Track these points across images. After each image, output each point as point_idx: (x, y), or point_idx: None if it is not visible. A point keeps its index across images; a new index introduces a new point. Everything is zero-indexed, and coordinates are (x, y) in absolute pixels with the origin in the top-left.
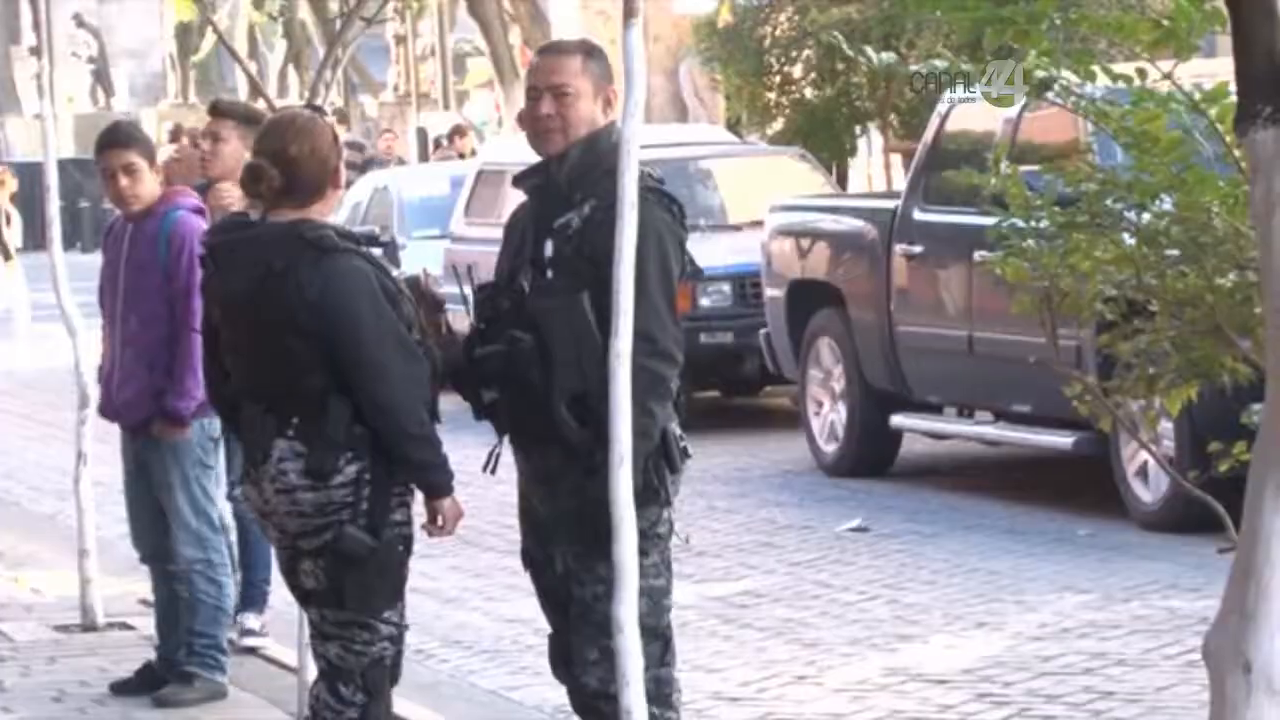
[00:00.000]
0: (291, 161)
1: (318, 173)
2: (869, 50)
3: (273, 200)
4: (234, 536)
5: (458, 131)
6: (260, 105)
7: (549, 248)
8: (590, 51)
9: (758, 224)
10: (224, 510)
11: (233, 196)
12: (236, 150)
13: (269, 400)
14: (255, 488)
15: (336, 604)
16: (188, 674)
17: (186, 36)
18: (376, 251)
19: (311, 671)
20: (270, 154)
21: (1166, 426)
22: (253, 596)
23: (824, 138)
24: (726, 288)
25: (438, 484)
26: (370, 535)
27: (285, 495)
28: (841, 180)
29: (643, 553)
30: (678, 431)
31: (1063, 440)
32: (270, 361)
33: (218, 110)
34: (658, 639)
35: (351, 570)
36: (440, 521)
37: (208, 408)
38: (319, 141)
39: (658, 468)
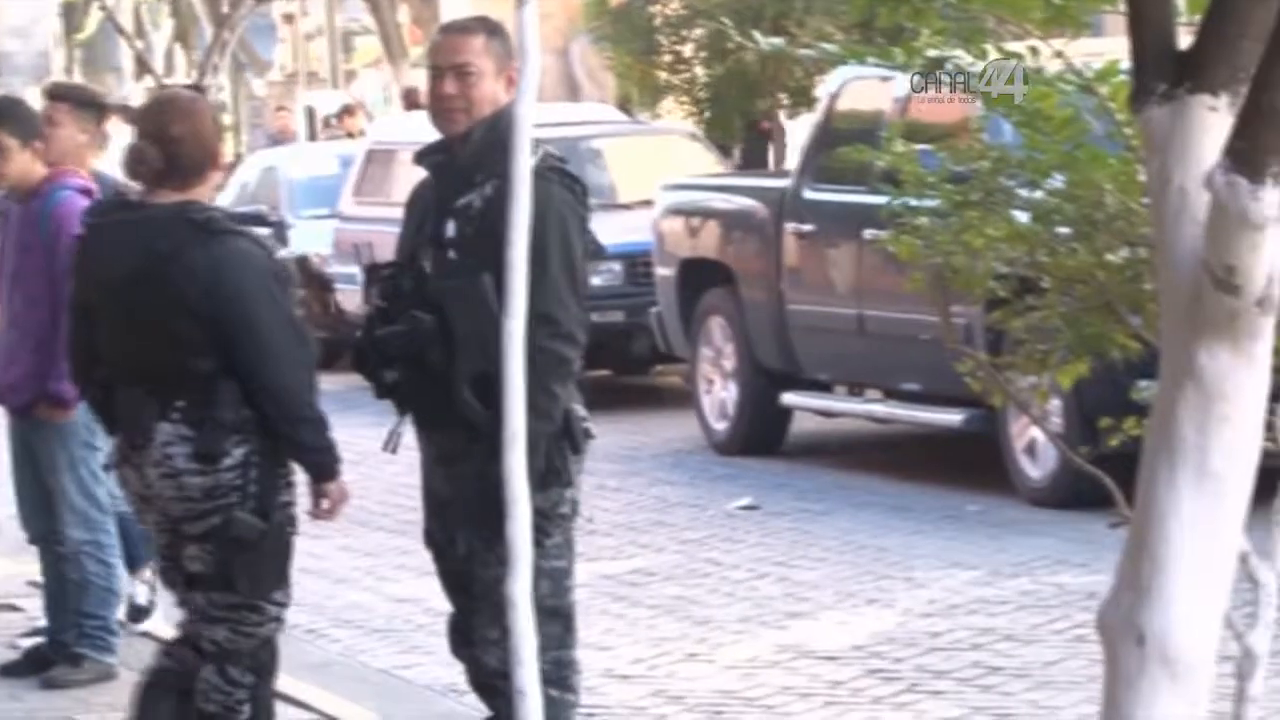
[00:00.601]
0: (173, 141)
1: (199, 154)
2: (757, 34)
3: (154, 181)
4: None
5: (347, 110)
6: (149, 84)
7: (451, 228)
8: (493, 30)
9: (648, 203)
10: (113, 490)
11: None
12: (71, 134)
13: (151, 383)
14: (135, 471)
15: (224, 587)
16: (77, 655)
17: (72, 14)
18: (264, 232)
19: None
20: (151, 135)
21: (1056, 403)
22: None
23: (723, 118)
24: (617, 267)
25: (326, 466)
26: (260, 518)
27: (171, 480)
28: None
29: (545, 533)
30: (581, 412)
31: (952, 417)
32: (155, 344)
33: (52, 94)
34: (559, 620)
35: (242, 554)
36: (327, 504)
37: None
38: (200, 122)
39: (560, 449)
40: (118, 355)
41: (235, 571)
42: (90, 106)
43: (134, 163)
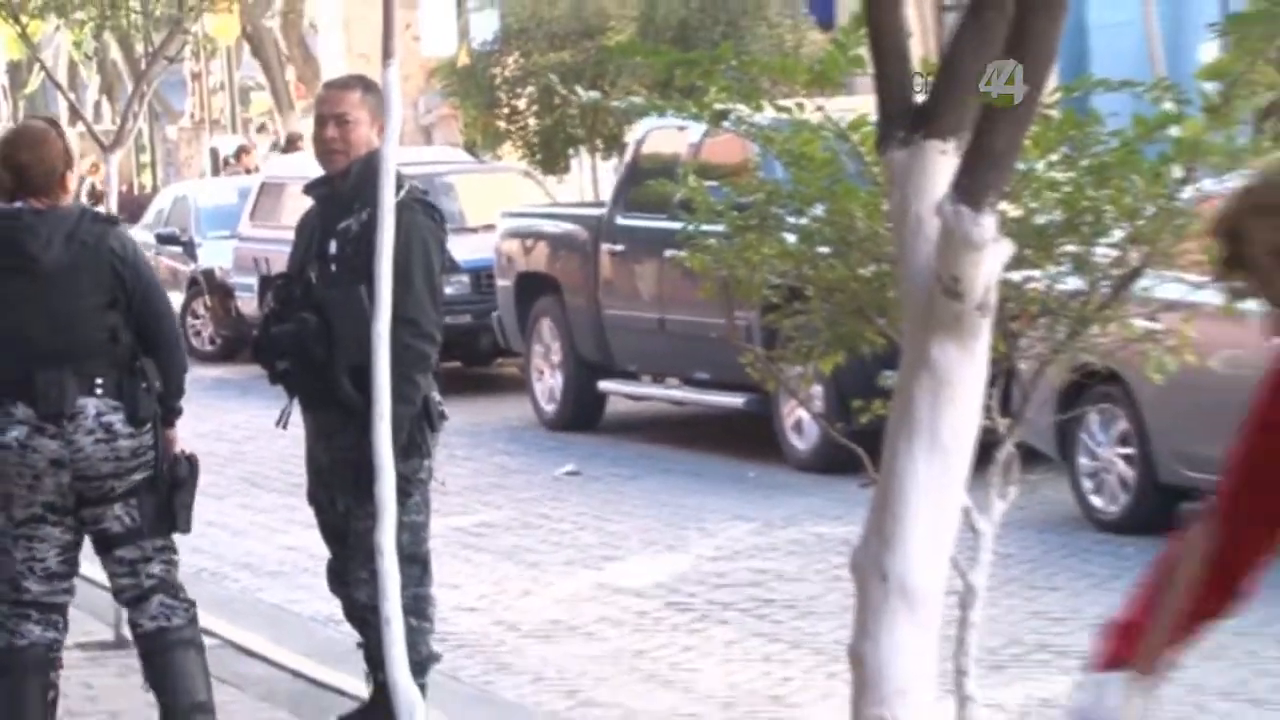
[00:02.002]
0: (18, 167)
1: (45, 169)
2: (579, 89)
3: (18, 195)
4: None
5: (243, 150)
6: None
7: (333, 246)
8: (368, 86)
9: (490, 227)
10: None
11: None
12: None
13: (71, 364)
14: (56, 440)
15: (152, 534)
16: None
17: (17, 72)
18: (177, 249)
19: None
20: (5, 153)
21: (818, 389)
22: None
23: (546, 158)
24: (466, 279)
25: (177, 414)
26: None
27: (106, 444)
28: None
29: (407, 494)
30: (437, 398)
31: (735, 400)
32: (82, 325)
33: None
34: (418, 563)
35: (179, 493)
36: (172, 443)
37: None
38: (42, 150)
39: (420, 427)
40: (33, 343)
41: (176, 508)
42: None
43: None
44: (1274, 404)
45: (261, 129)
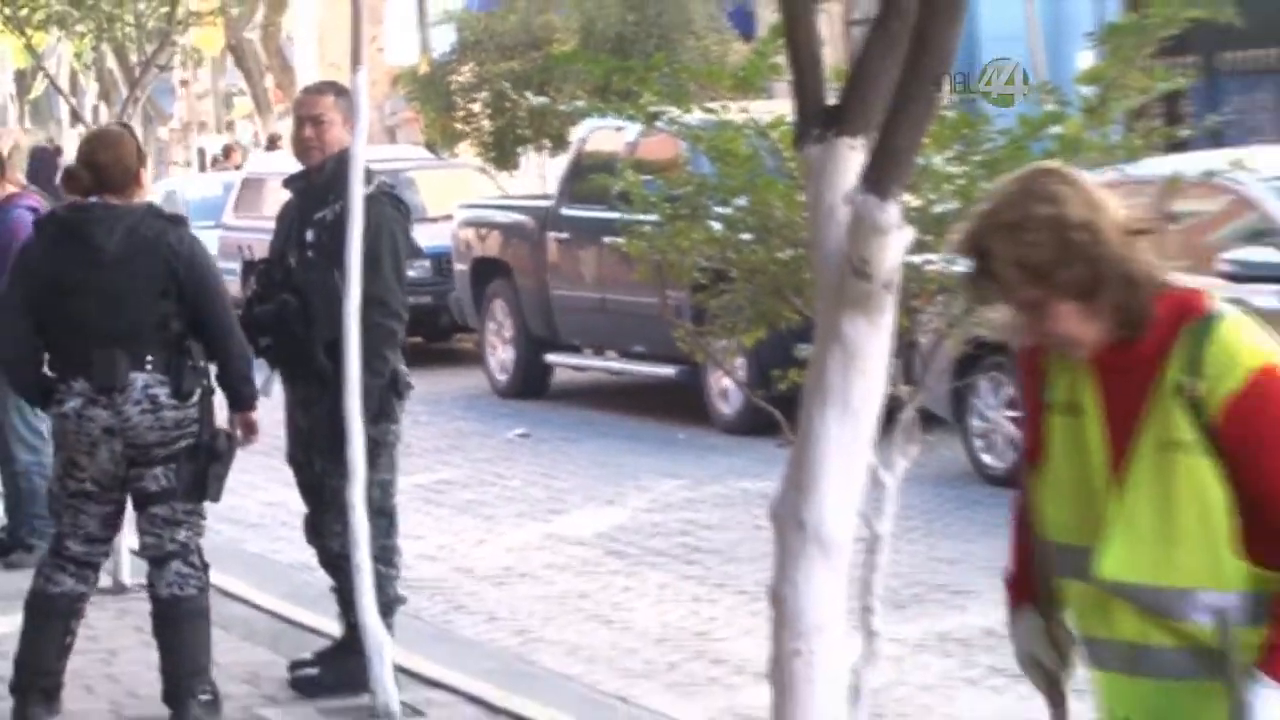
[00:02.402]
0: (96, 166)
1: (123, 170)
2: (528, 94)
3: (91, 194)
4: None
5: (228, 152)
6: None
7: (310, 234)
8: (340, 91)
9: (449, 217)
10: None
11: None
12: None
13: (124, 343)
14: (108, 410)
15: (185, 497)
16: (29, 544)
17: (23, 79)
18: None
19: None
20: (81, 161)
21: (741, 360)
22: None
23: (498, 155)
24: (428, 264)
25: (252, 401)
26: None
27: (151, 414)
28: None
29: (376, 455)
30: (403, 369)
31: (667, 370)
32: (136, 309)
33: None
34: (385, 517)
35: (215, 464)
36: (254, 426)
37: None
38: (120, 150)
39: (388, 396)
40: (89, 325)
41: (209, 480)
42: None
43: (67, 181)
44: (1030, 390)
45: (230, 126)
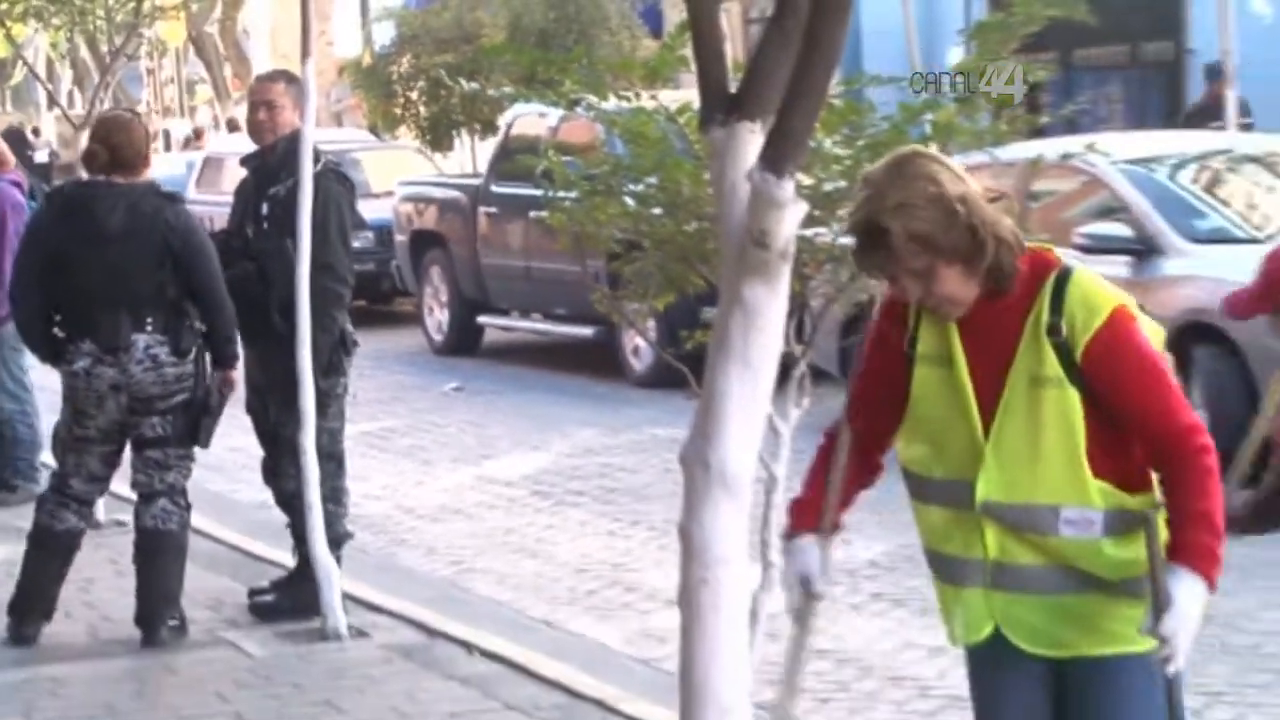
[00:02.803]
0: (113, 146)
1: (133, 151)
2: (461, 82)
3: (107, 170)
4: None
5: (197, 134)
6: (56, 113)
7: (265, 208)
8: (290, 79)
9: (390, 193)
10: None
11: None
12: None
13: (127, 306)
14: (113, 368)
15: (178, 444)
16: (13, 485)
17: (2, 68)
18: None
19: None
20: (98, 140)
21: (652, 321)
22: None
23: (434, 138)
24: (371, 235)
25: (234, 360)
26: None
27: (153, 370)
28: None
29: (326, 405)
30: (350, 328)
31: (585, 331)
32: (134, 276)
33: None
34: (334, 460)
35: (206, 416)
36: (232, 383)
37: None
38: (130, 133)
39: (337, 352)
40: (95, 290)
41: (200, 429)
42: None
43: (87, 157)
44: (889, 345)
45: (192, 111)
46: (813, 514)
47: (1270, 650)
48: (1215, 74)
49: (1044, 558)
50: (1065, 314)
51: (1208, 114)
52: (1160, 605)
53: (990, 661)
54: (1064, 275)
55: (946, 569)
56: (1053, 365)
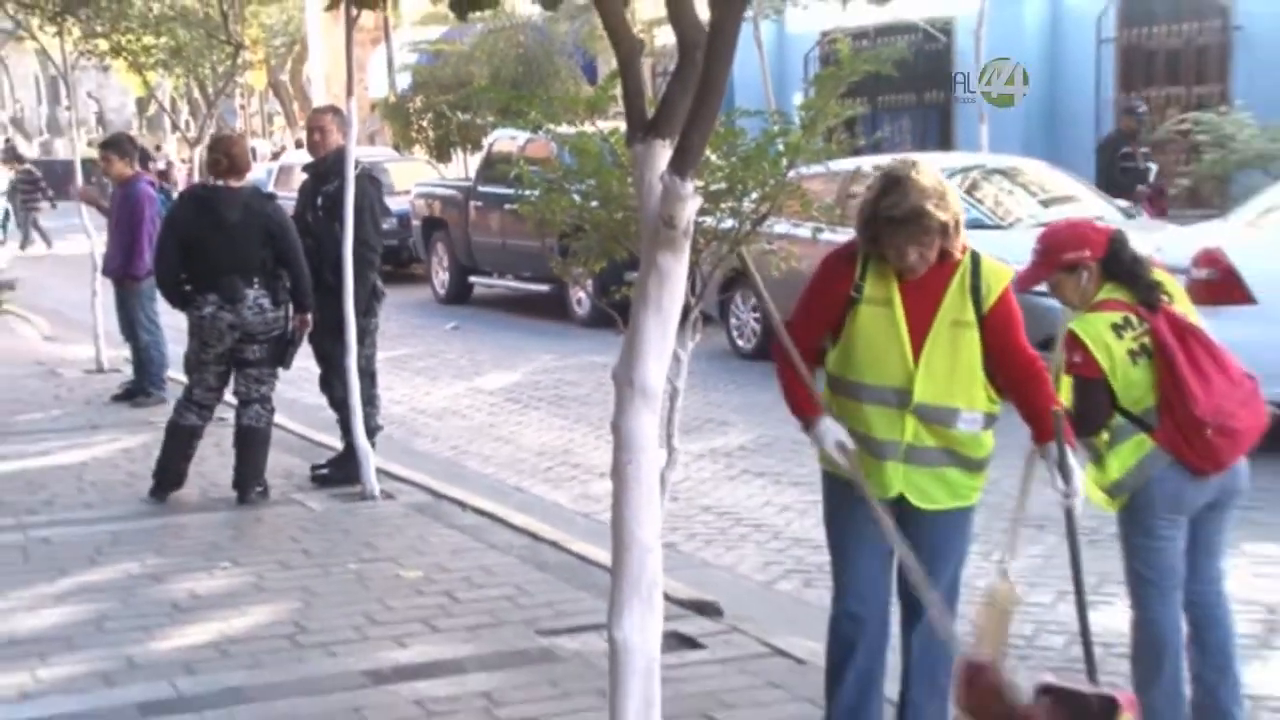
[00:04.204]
0: (231, 156)
1: (242, 164)
2: (459, 114)
3: (226, 173)
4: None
5: (282, 150)
6: (178, 136)
7: (320, 201)
8: (336, 111)
9: (408, 192)
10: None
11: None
12: (119, 164)
13: (241, 272)
14: (231, 313)
15: (270, 364)
16: (149, 392)
17: (141, 103)
18: None
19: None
20: (221, 152)
21: (590, 281)
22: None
23: (439, 154)
24: (394, 220)
25: (310, 308)
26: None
27: (258, 315)
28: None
29: (364, 337)
30: (380, 284)
31: (544, 287)
32: (247, 252)
33: (102, 144)
34: (369, 376)
35: (291, 346)
36: (307, 323)
37: (149, 274)
38: (240, 150)
39: (370, 301)
40: (222, 260)
41: (287, 355)
42: (124, 149)
43: (214, 164)
44: (836, 289)
45: (270, 134)
46: (813, 405)
47: None
48: (1130, 111)
49: (942, 443)
50: (982, 280)
51: (1118, 141)
52: (1065, 471)
53: (861, 505)
54: (975, 255)
55: (871, 447)
56: (969, 313)
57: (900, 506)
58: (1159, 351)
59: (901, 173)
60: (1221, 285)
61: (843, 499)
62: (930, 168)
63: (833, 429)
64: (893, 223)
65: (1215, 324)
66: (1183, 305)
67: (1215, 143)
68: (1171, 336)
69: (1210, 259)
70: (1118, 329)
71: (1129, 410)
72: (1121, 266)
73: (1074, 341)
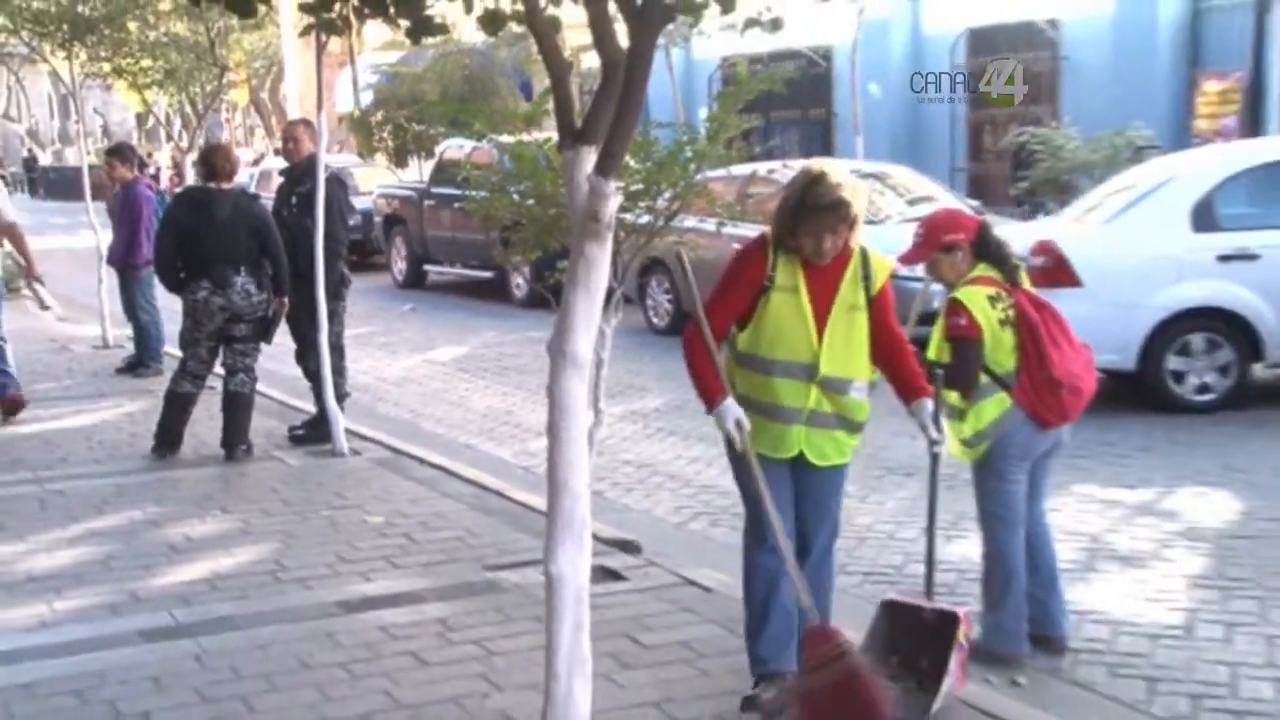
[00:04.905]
0: (220, 166)
1: (231, 169)
2: (414, 125)
3: (217, 176)
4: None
5: (263, 156)
6: (171, 145)
7: (294, 200)
8: (307, 124)
9: (370, 192)
10: (159, 302)
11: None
12: (121, 169)
13: (229, 261)
14: (221, 297)
15: (254, 340)
16: (148, 364)
17: (140, 117)
18: None
19: None
20: (214, 159)
21: (528, 268)
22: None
23: (398, 160)
24: (360, 217)
25: (287, 291)
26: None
27: (245, 298)
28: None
29: (333, 317)
30: (347, 272)
31: (488, 274)
32: (235, 244)
33: (108, 151)
34: (338, 350)
35: (271, 325)
36: (285, 305)
37: (148, 263)
38: (228, 157)
39: (339, 286)
40: (214, 251)
41: (268, 332)
42: (125, 156)
43: (206, 168)
44: (751, 277)
45: (251, 144)
46: (718, 386)
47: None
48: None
49: (836, 409)
50: (871, 270)
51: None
52: (938, 421)
53: (776, 465)
54: (864, 249)
55: (779, 414)
56: (860, 298)
57: (798, 463)
58: (1022, 321)
59: (823, 169)
60: (1054, 271)
61: (771, 464)
62: (842, 169)
63: (732, 409)
64: (819, 210)
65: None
66: (1028, 285)
67: (1047, 153)
68: (1032, 309)
69: (1044, 248)
70: (992, 300)
71: (993, 371)
72: (989, 248)
73: (959, 308)
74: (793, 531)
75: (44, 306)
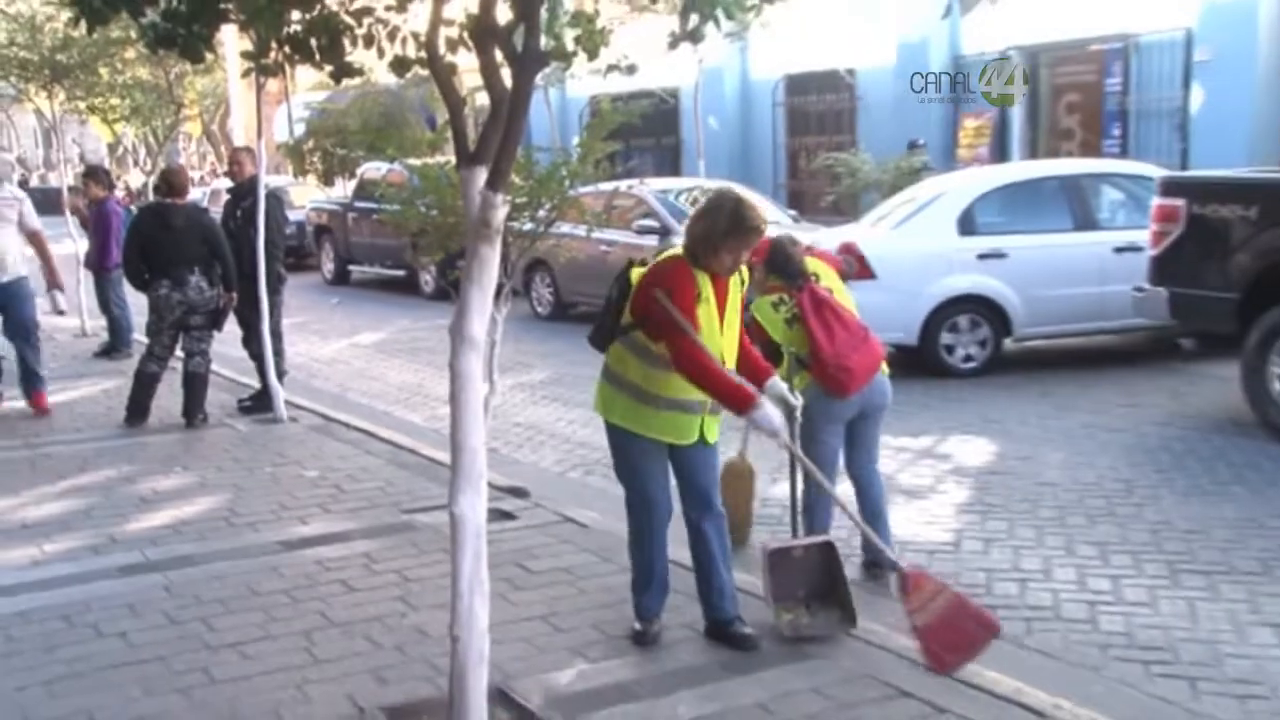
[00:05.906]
0: (176, 185)
1: (183, 188)
2: (339, 150)
3: (173, 194)
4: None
5: (214, 176)
6: (135, 168)
7: (238, 213)
8: (249, 150)
9: (303, 207)
10: (128, 299)
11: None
12: (95, 188)
13: (185, 263)
14: (180, 294)
15: (208, 329)
16: (120, 349)
17: (111, 146)
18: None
19: None
20: (167, 180)
21: (433, 267)
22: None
23: (326, 179)
24: (294, 227)
25: (234, 287)
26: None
27: (199, 294)
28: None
29: (273, 309)
30: (283, 271)
31: (401, 272)
32: (189, 249)
33: (84, 173)
34: (277, 336)
35: (221, 316)
36: (232, 299)
37: (118, 266)
38: (183, 177)
39: (277, 283)
40: (175, 255)
41: (219, 321)
42: (99, 178)
43: (165, 187)
44: (689, 292)
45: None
46: (749, 391)
47: None
48: (912, 145)
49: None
50: (742, 278)
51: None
52: (791, 390)
53: (657, 448)
54: (750, 263)
55: (690, 407)
56: (738, 301)
57: (684, 446)
58: (801, 318)
59: (738, 195)
60: (856, 267)
61: (628, 438)
62: (747, 193)
63: (774, 411)
64: (746, 230)
65: (853, 293)
66: (829, 281)
67: (847, 173)
68: (810, 308)
69: (848, 248)
70: (774, 305)
71: (798, 355)
72: (776, 265)
73: (752, 318)
74: (670, 507)
75: (59, 311)
